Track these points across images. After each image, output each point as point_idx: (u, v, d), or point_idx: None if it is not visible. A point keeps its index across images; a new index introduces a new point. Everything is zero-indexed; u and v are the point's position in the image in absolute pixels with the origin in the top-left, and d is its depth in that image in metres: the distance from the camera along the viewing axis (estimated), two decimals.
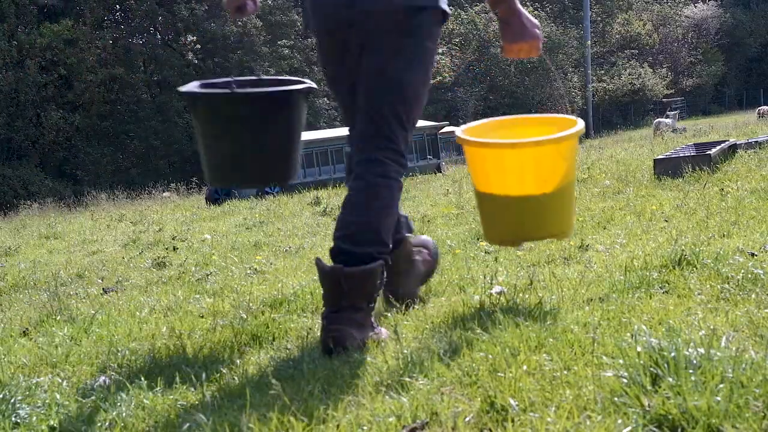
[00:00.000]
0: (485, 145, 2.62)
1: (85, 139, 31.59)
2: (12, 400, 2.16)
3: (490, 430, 1.69)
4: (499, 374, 1.91)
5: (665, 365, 1.70)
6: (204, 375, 2.36)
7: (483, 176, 2.66)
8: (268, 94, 2.66)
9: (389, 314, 2.78)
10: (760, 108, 25.83)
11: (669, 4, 53.84)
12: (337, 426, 1.78)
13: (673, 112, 23.29)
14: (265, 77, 2.89)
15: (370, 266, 2.43)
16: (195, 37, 33.03)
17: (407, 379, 2.00)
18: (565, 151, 2.56)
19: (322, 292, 2.52)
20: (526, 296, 2.79)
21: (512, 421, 1.69)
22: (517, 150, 2.56)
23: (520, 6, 2.58)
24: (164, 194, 21.78)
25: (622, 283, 2.77)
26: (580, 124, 2.62)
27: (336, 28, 2.58)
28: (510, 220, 2.66)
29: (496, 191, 2.62)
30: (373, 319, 2.51)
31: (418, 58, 2.54)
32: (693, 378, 1.64)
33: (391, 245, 2.57)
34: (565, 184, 2.60)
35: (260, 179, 2.89)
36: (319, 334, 2.51)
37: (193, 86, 2.72)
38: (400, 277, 2.85)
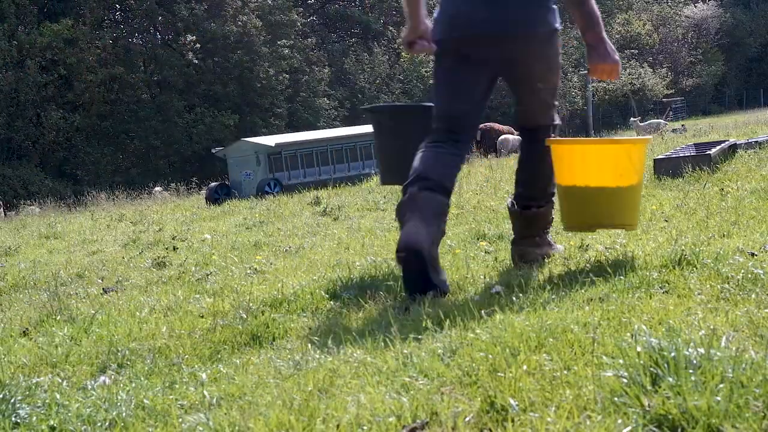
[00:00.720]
0: (576, 142, 3.49)
1: (85, 139, 31.58)
2: (12, 400, 2.16)
3: (490, 430, 1.69)
4: (499, 374, 1.91)
5: (665, 365, 1.71)
6: (204, 375, 2.36)
7: (568, 171, 3.30)
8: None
9: (390, 314, 2.78)
10: None
11: (669, 4, 53.79)
12: (337, 426, 1.78)
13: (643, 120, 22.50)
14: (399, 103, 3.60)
15: (548, 206, 3.56)
16: (195, 37, 33.02)
17: (407, 379, 2.00)
18: (637, 154, 3.21)
19: (512, 226, 3.62)
20: (526, 296, 2.79)
21: (512, 421, 1.69)
22: (605, 146, 3.34)
23: (605, 34, 3.28)
24: (156, 189, 21.68)
25: (622, 283, 2.77)
26: (648, 137, 3.50)
27: (481, 45, 3.27)
28: (588, 209, 3.30)
29: (578, 183, 3.25)
30: (550, 239, 3.64)
31: (556, 63, 3.43)
32: (693, 378, 1.64)
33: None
34: (635, 182, 3.22)
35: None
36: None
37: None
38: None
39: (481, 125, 19.54)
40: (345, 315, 3.00)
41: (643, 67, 47.49)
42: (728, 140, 8.54)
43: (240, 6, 32.73)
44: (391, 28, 39.37)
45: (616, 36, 47.84)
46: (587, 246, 3.76)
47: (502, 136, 19.46)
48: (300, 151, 15.31)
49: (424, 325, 2.56)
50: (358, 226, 6.18)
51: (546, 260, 3.48)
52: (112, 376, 2.53)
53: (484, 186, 8.48)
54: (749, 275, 2.61)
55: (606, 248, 3.54)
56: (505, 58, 3.32)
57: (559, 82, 3.58)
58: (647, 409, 1.59)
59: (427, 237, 3.02)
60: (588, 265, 3.28)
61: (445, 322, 2.51)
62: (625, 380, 1.71)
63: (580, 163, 3.25)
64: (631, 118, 21.52)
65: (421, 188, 3.11)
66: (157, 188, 22.17)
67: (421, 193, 3.09)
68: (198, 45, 32.91)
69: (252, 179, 15.04)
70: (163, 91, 32.94)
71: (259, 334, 2.82)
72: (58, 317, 3.65)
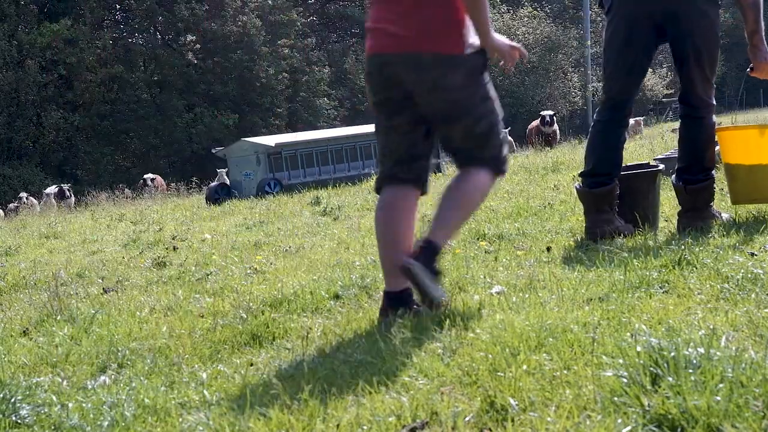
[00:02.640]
0: (750, 128, 4.13)
1: (85, 138, 31.56)
2: (12, 400, 2.16)
3: (490, 429, 1.69)
4: (499, 374, 1.91)
5: (665, 365, 1.71)
6: (204, 375, 2.36)
7: (737, 152, 3.97)
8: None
9: (389, 315, 2.78)
10: None
11: None
12: (337, 426, 1.78)
13: None
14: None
15: (709, 181, 3.95)
16: (195, 37, 33.00)
17: (407, 379, 2.00)
18: None
19: (583, 206, 4.02)
20: (526, 296, 2.79)
21: (512, 420, 1.69)
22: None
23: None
24: (147, 176, 21.32)
25: (622, 282, 2.77)
26: None
27: (648, 17, 3.81)
28: (758, 184, 3.91)
29: (745, 162, 3.92)
30: (714, 210, 3.97)
31: (716, 32, 3.92)
32: (693, 378, 1.64)
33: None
34: None
35: None
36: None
37: None
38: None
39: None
40: (345, 315, 3.00)
41: None
42: None
43: (240, 6, 32.71)
44: None
45: None
46: (587, 246, 3.76)
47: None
48: (300, 151, 15.30)
49: (424, 325, 2.56)
50: (358, 226, 6.18)
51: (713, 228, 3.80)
52: (113, 376, 2.53)
53: None
54: (749, 275, 2.61)
55: (606, 248, 3.54)
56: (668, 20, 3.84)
57: (717, 53, 3.96)
58: (647, 408, 1.59)
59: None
60: (588, 264, 3.28)
61: (445, 322, 2.51)
62: (625, 380, 1.71)
63: (750, 145, 3.93)
64: None
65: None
66: (149, 174, 21.79)
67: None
68: (198, 45, 32.89)
69: (252, 179, 15.04)
70: (163, 91, 32.91)
71: (259, 334, 2.82)
72: (59, 317, 3.65)
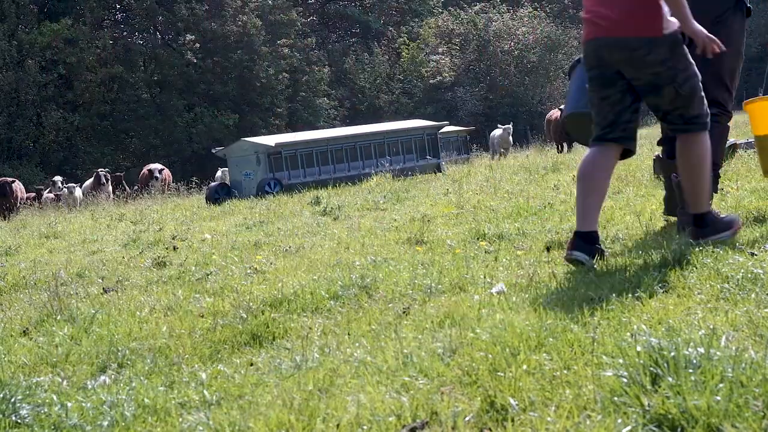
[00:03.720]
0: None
1: (85, 138, 31.58)
2: (12, 400, 2.16)
3: (490, 429, 1.69)
4: (499, 374, 1.91)
5: (665, 365, 1.71)
6: (204, 375, 2.36)
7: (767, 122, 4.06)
8: None
9: (390, 314, 2.78)
10: None
11: None
12: (337, 426, 1.78)
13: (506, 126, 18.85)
14: None
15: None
16: (195, 37, 33.00)
17: (407, 379, 2.00)
18: None
19: (662, 175, 4.30)
20: (526, 296, 2.79)
21: (512, 420, 1.69)
22: None
23: None
24: (154, 166, 19.18)
25: (622, 282, 2.77)
26: None
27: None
28: None
29: None
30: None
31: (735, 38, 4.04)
32: (693, 378, 1.64)
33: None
34: None
35: None
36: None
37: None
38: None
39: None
40: (345, 315, 3.00)
41: None
42: (728, 140, 8.52)
43: (240, 6, 32.72)
44: (391, 28, 39.38)
45: None
46: None
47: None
48: (300, 150, 15.31)
49: (424, 325, 2.56)
50: (358, 226, 6.18)
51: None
52: (113, 376, 2.53)
53: (484, 186, 8.48)
54: (749, 275, 2.61)
55: (606, 248, 3.54)
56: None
57: (736, 63, 4.03)
58: (647, 408, 1.59)
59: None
60: (588, 264, 3.28)
61: (445, 322, 2.51)
62: (625, 380, 1.71)
63: None
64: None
65: None
66: (156, 165, 20.09)
67: None
68: (198, 45, 32.90)
69: (252, 179, 15.05)
70: (163, 91, 32.92)
71: (259, 334, 2.82)
72: (59, 317, 3.65)
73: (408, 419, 1.75)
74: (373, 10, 40.13)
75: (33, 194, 18.69)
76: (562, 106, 16.57)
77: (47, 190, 18.63)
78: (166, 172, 19.69)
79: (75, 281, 5.17)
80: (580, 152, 13.59)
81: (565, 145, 15.87)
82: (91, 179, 18.73)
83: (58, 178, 18.48)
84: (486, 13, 36.79)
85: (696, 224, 3.46)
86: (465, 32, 36.59)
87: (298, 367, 2.29)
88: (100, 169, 19.02)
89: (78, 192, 17.78)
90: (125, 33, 35.21)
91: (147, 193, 17.76)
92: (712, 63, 3.81)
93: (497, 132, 18.91)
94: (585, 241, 3.31)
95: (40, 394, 2.29)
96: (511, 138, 18.93)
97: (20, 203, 16.94)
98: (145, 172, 19.44)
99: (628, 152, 3.57)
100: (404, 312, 2.84)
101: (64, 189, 17.78)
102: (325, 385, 2.06)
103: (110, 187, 18.29)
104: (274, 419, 1.83)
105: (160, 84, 33.33)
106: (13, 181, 17.43)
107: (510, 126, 18.97)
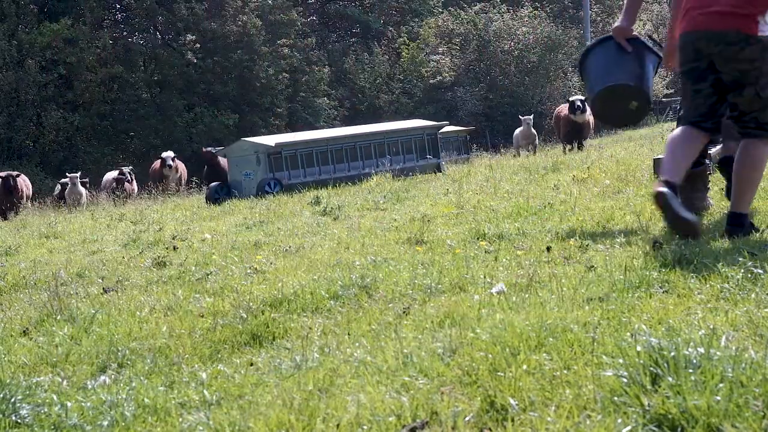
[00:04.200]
0: None
1: (85, 138, 31.56)
2: (12, 400, 2.16)
3: (490, 429, 1.69)
4: (499, 374, 1.91)
5: (665, 365, 1.71)
6: (204, 375, 2.36)
7: None
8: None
9: (390, 314, 2.78)
10: None
11: (669, 4, 53.71)
12: (337, 426, 1.78)
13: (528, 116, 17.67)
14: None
15: (704, 166, 4.28)
16: (195, 37, 33.00)
17: (407, 379, 2.00)
18: None
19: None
20: (526, 296, 2.79)
21: (512, 420, 1.69)
22: None
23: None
24: (167, 154, 18.28)
25: (622, 282, 2.77)
26: None
27: None
28: None
29: None
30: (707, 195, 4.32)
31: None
32: (693, 377, 1.64)
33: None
34: None
35: None
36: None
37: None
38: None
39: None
40: (345, 315, 3.00)
41: None
42: None
43: (240, 6, 32.71)
44: (391, 28, 39.36)
45: None
46: (587, 246, 3.76)
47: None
48: (300, 150, 15.29)
49: (424, 325, 2.56)
50: (358, 226, 6.18)
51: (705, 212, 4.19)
52: (113, 376, 2.53)
53: (484, 186, 8.48)
54: (749, 275, 2.61)
55: (606, 248, 3.54)
56: None
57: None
58: (647, 408, 1.59)
59: None
60: (588, 264, 3.28)
61: (445, 322, 2.51)
62: (625, 380, 1.71)
63: None
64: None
65: None
66: (168, 153, 18.66)
67: None
68: (198, 45, 32.89)
69: (252, 179, 15.04)
70: (163, 91, 32.90)
71: (259, 334, 2.82)
72: (59, 317, 3.65)
73: (408, 419, 1.76)
74: (373, 10, 40.10)
75: (59, 189, 17.75)
76: (571, 98, 15.56)
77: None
78: (180, 164, 18.93)
79: (75, 281, 5.16)
80: (583, 153, 13.58)
81: (575, 143, 15.47)
82: (113, 174, 18.25)
83: (77, 174, 17.73)
84: (486, 13, 36.75)
85: (732, 222, 3.55)
86: (465, 32, 36.56)
87: (298, 367, 2.29)
88: (124, 167, 18.62)
89: (81, 188, 17.52)
90: (125, 33, 35.21)
91: (162, 188, 17.11)
92: None
93: (519, 128, 17.74)
94: (669, 187, 3.45)
95: (40, 394, 2.29)
96: (533, 130, 17.46)
97: (26, 200, 16.32)
98: (156, 164, 18.73)
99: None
100: (404, 312, 2.84)
101: (66, 181, 17.22)
102: (325, 385, 2.06)
103: (135, 184, 17.90)
104: (274, 419, 1.83)
105: (160, 84, 33.32)
106: (18, 175, 16.66)
107: (530, 117, 17.74)
